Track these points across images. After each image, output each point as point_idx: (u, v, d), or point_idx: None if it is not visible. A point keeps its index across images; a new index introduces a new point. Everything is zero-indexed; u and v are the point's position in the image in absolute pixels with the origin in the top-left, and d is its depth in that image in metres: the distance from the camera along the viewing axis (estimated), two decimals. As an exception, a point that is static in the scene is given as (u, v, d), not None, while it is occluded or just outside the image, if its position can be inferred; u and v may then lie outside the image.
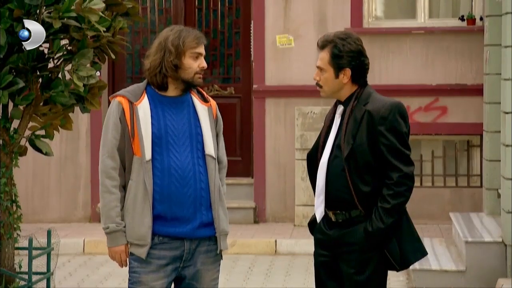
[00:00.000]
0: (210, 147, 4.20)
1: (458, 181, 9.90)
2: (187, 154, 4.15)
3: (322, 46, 4.26)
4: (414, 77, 9.80)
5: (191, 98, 4.24)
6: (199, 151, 4.17)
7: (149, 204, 4.09)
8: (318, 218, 4.24)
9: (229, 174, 10.00)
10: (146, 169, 4.09)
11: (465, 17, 9.81)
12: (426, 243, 8.34)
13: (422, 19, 9.96)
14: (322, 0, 9.87)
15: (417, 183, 9.95)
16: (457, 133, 9.81)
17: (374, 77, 9.82)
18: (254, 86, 10.02)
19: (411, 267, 7.46)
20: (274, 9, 9.95)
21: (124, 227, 4.15)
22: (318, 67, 4.26)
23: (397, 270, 4.20)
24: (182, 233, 4.13)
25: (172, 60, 4.12)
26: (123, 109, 4.13)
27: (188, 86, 4.21)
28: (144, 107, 4.13)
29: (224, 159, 4.37)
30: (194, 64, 4.18)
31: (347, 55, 4.21)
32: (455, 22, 9.86)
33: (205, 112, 4.24)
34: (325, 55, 4.22)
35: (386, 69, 9.83)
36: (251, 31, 10.18)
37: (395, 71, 9.82)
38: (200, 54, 4.21)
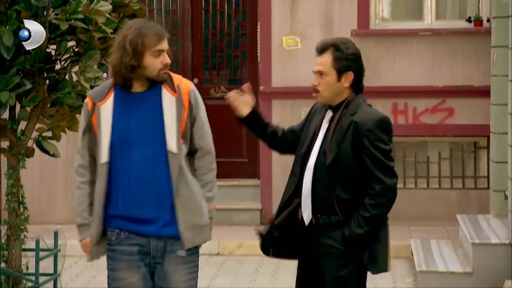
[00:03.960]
0: (171, 143, 4.04)
1: (465, 182, 9.88)
2: (148, 153, 4.05)
3: (322, 50, 4.24)
4: (421, 78, 9.79)
5: (161, 90, 4.10)
6: (163, 148, 4.05)
7: (101, 207, 4.09)
8: (307, 221, 4.24)
9: (236, 175, 10.18)
10: (100, 171, 4.08)
11: (472, 19, 9.79)
12: (433, 245, 8.33)
13: (429, 20, 9.95)
14: (329, 1, 9.87)
15: (423, 184, 9.95)
16: (464, 135, 9.80)
17: (381, 79, 9.82)
18: (261, 87, 10.02)
19: (417, 268, 7.48)
20: (280, 10, 9.95)
21: (90, 221, 4.15)
22: (318, 71, 4.23)
23: (372, 273, 4.26)
24: (147, 232, 4.09)
25: (129, 61, 4.00)
26: (89, 110, 4.12)
27: (153, 82, 4.08)
28: (107, 108, 4.08)
29: (206, 144, 4.19)
30: (156, 61, 4.04)
31: (349, 57, 4.21)
32: (462, 24, 9.85)
33: (172, 103, 4.07)
34: (326, 58, 4.21)
35: (393, 70, 9.82)
36: (258, 33, 10.18)
37: (402, 73, 9.81)
38: (162, 50, 4.06)
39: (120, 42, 4.04)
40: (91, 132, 4.11)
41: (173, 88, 4.11)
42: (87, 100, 4.15)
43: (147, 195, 4.05)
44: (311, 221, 4.24)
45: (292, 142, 4.41)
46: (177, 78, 4.16)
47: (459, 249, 8.00)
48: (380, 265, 4.22)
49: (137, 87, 4.09)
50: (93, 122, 4.10)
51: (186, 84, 4.15)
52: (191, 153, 4.15)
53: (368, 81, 10.24)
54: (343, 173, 4.14)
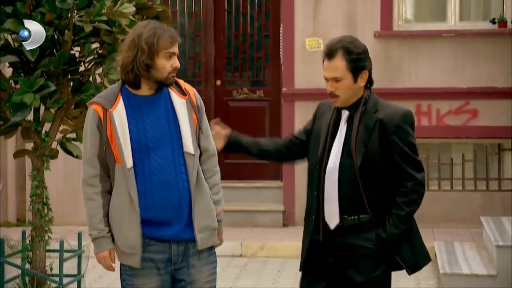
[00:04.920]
0: (188, 145, 4.04)
1: (489, 184, 9.83)
2: (168, 156, 4.02)
3: (331, 54, 4.12)
4: (444, 80, 9.75)
5: (169, 93, 4.08)
6: (180, 149, 4.04)
7: (136, 212, 4.01)
8: (332, 226, 4.15)
9: (258, 177, 10.18)
10: (129, 177, 4.00)
11: (496, 20, 9.74)
12: (457, 247, 8.29)
13: (452, 21, 9.90)
14: (352, 3, 9.85)
15: (447, 186, 9.91)
16: (488, 137, 9.74)
17: (404, 80, 9.78)
18: (283, 89, 10.02)
19: (441, 271, 7.44)
20: (303, 12, 9.94)
21: (108, 232, 4.09)
22: (332, 78, 4.11)
23: (409, 274, 4.22)
24: (167, 236, 4.05)
25: (144, 60, 3.96)
26: (99, 116, 4.02)
27: (161, 85, 4.06)
28: (119, 113, 4.01)
29: (211, 147, 4.18)
30: (167, 64, 4.02)
31: (361, 56, 4.13)
32: (486, 25, 9.80)
33: (183, 106, 4.07)
34: (338, 62, 4.10)
35: (416, 72, 9.79)
36: (281, 34, 10.18)
37: (425, 74, 9.78)
38: (173, 53, 4.04)
39: (134, 40, 3.98)
40: (102, 139, 4.03)
41: (182, 92, 4.10)
42: (94, 107, 4.04)
43: (170, 198, 4.02)
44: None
45: (300, 148, 4.35)
46: (182, 82, 4.17)
47: (483, 252, 7.95)
48: (421, 261, 4.18)
49: (145, 90, 4.05)
50: (107, 128, 4.01)
51: (191, 88, 4.17)
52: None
53: (392, 83, 10.31)
54: (372, 173, 4.06)
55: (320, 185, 4.15)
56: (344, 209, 4.11)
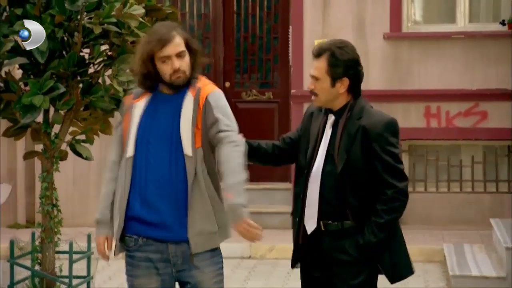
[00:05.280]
0: (186, 147, 3.99)
1: (499, 186, 9.81)
2: (165, 155, 4.00)
3: (317, 54, 4.17)
4: (453, 81, 9.73)
5: (185, 94, 4.07)
6: (180, 151, 3.99)
7: (124, 201, 4.03)
8: (309, 230, 4.17)
9: (267, 179, 10.18)
10: (127, 165, 4.04)
11: (505, 22, 9.72)
12: (466, 249, 8.28)
13: (462, 23, 9.89)
14: (361, 5, 9.85)
15: (456, 188, 9.89)
16: (497, 138, 9.73)
17: (414, 82, 9.77)
18: (292, 91, 10.02)
19: (450, 272, 7.43)
20: (312, 14, 9.95)
21: (111, 219, 4.12)
22: (313, 76, 4.16)
23: (391, 283, 4.19)
24: (163, 236, 4.01)
25: (141, 69, 4.05)
26: (126, 105, 4.16)
27: (174, 87, 4.07)
28: (139, 105, 4.10)
29: (228, 133, 3.97)
30: (165, 67, 4.03)
31: (344, 64, 4.12)
32: (495, 27, 9.78)
33: (190, 104, 4.04)
34: (321, 64, 4.14)
35: (426, 73, 9.78)
36: (290, 36, 10.18)
37: (435, 76, 9.76)
38: (166, 57, 4.03)
39: (138, 50, 4.11)
40: (121, 126, 4.14)
41: (195, 90, 4.09)
42: (128, 96, 4.22)
43: (162, 196, 3.99)
44: (319, 228, 4.14)
45: (292, 151, 4.32)
46: (202, 82, 4.13)
47: (493, 254, 7.94)
48: (404, 272, 4.16)
49: (165, 89, 4.10)
50: (126, 117, 4.12)
51: (208, 89, 4.09)
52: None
53: (401, 84, 10.29)
54: (354, 180, 4.06)
55: (305, 189, 4.16)
56: (324, 213, 4.11)
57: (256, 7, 10.43)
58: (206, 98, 4.05)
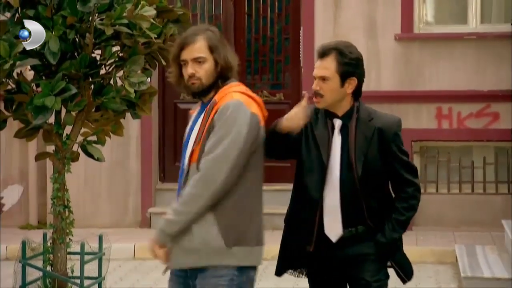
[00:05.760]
0: (186, 159, 3.91)
1: (511, 187, 9.77)
2: (184, 164, 3.93)
3: (324, 53, 4.09)
4: (465, 82, 9.70)
5: (208, 104, 3.94)
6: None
7: None
8: (334, 238, 4.09)
9: (277, 180, 10.16)
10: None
11: (517, 22, 9.70)
12: (478, 250, 8.25)
13: (473, 24, 9.86)
14: (372, 5, 9.83)
15: (468, 189, 9.85)
16: (509, 140, 9.69)
17: (425, 83, 9.75)
18: (303, 92, 10.01)
19: (462, 274, 7.41)
20: (323, 15, 9.93)
21: None
22: (320, 76, 4.05)
23: (405, 281, 4.19)
24: None
25: (172, 72, 4.00)
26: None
27: (198, 94, 3.95)
28: (192, 116, 4.04)
29: (203, 163, 3.80)
30: (184, 72, 3.93)
31: (353, 62, 4.06)
32: (507, 28, 9.74)
33: (203, 114, 3.91)
34: (329, 63, 4.05)
35: (437, 74, 9.75)
36: (301, 37, 10.18)
37: (446, 77, 9.74)
38: (184, 61, 3.92)
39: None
40: None
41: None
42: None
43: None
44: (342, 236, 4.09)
45: (294, 149, 4.17)
46: (223, 92, 3.91)
47: (505, 255, 7.91)
48: (410, 272, 4.17)
49: (207, 97, 3.96)
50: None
51: (225, 99, 3.88)
52: None
53: (412, 85, 10.26)
54: (372, 183, 4.04)
55: (319, 198, 4.06)
56: (346, 221, 4.06)
57: (267, 8, 10.42)
58: (218, 108, 3.86)
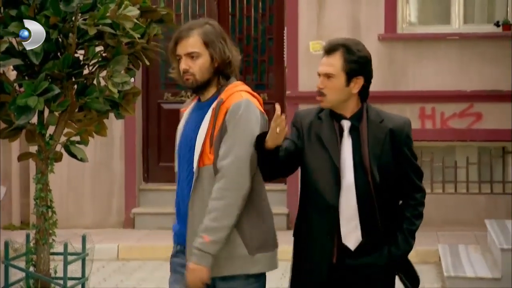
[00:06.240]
0: (196, 158, 3.74)
1: (493, 187, 9.82)
2: (184, 167, 3.79)
3: (330, 50, 3.84)
4: (448, 83, 9.74)
5: (212, 102, 3.79)
6: (191, 164, 3.76)
7: (174, 219, 3.94)
8: (353, 246, 3.84)
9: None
10: (176, 180, 3.91)
11: (500, 23, 9.74)
12: (461, 250, 8.28)
13: (456, 24, 9.90)
14: (356, 6, 9.85)
15: (451, 189, 9.89)
16: (492, 140, 9.74)
17: (408, 83, 9.78)
18: (287, 92, 10.02)
19: (445, 273, 7.43)
20: (307, 15, 9.95)
21: None
22: (325, 74, 3.82)
23: None
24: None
25: (175, 67, 3.86)
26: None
27: (194, 90, 3.84)
28: (184, 115, 3.90)
29: (220, 164, 3.67)
30: (180, 67, 3.82)
31: (361, 60, 3.85)
32: (490, 28, 9.80)
33: (209, 117, 3.74)
34: (336, 60, 3.81)
35: (420, 75, 9.78)
36: (285, 38, 10.19)
37: (430, 77, 9.77)
38: (179, 56, 3.81)
39: None
40: None
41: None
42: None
43: (181, 212, 3.83)
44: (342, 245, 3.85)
45: (297, 161, 3.90)
46: (229, 91, 3.78)
47: (488, 254, 7.94)
48: (417, 281, 4.00)
49: (205, 95, 3.85)
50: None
51: (231, 100, 3.75)
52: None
53: (396, 86, 10.30)
54: (386, 187, 3.82)
55: (337, 204, 3.81)
56: (363, 228, 3.82)
57: (251, 8, 10.43)
58: (225, 113, 3.73)
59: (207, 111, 3.78)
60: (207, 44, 3.78)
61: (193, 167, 3.75)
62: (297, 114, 4.00)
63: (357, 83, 3.85)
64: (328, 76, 3.82)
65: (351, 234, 3.83)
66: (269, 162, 3.76)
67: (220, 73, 3.82)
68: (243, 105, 3.75)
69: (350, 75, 3.82)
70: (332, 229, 3.82)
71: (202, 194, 3.73)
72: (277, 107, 3.67)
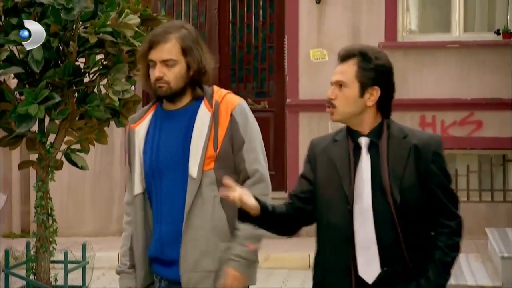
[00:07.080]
0: (192, 167, 3.47)
1: (494, 196, 9.81)
2: (178, 180, 3.49)
3: (345, 57, 3.43)
4: (449, 91, 9.74)
5: (199, 106, 3.54)
6: (180, 172, 3.51)
7: (141, 245, 3.57)
8: (370, 279, 3.34)
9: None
10: (136, 204, 3.57)
11: (500, 31, 9.74)
12: (462, 258, 8.27)
13: (457, 33, 9.91)
14: (356, 14, 9.86)
15: (452, 197, 9.89)
16: (493, 148, 9.73)
17: (409, 91, 9.78)
18: (288, 100, 10.02)
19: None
20: (308, 23, 9.96)
21: (130, 268, 3.66)
22: (337, 82, 3.42)
23: None
24: (170, 276, 3.55)
25: (144, 72, 3.58)
26: (126, 136, 3.66)
27: (194, 97, 3.57)
28: (141, 130, 3.58)
29: (258, 171, 3.50)
30: (151, 73, 3.51)
31: (378, 69, 3.41)
32: (490, 36, 9.80)
33: (205, 121, 3.50)
34: (349, 67, 3.40)
35: (421, 83, 9.79)
36: (285, 45, 10.19)
37: (430, 85, 9.78)
38: (152, 61, 3.50)
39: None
40: (128, 161, 3.64)
41: (211, 103, 3.54)
42: (128, 124, 3.72)
43: (176, 231, 3.51)
44: (359, 278, 3.35)
45: (312, 208, 3.48)
46: (219, 93, 3.59)
47: (488, 263, 7.94)
48: None
49: (168, 104, 3.58)
50: (128, 147, 3.62)
51: (230, 100, 3.57)
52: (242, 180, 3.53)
53: (396, 94, 10.22)
54: (411, 212, 3.32)
55: (351, 234, 3.35)
56: (383, 257, 3.33)
57: (251, 16, 10.44)
58: (231, 114, 3.56)
59: (192, 118, 3.54)
60: (184, 51, 3.53)
61: (187, 175, 3.49)
62: (311, 143, 3.59)
63: (373, 95, 3.40)
64: (340, 84, 3.42)
65: (368, 266, 3.35)
66: (270, 225, 3.53)
67: (195, 82, 3.58)
68: (247, 108, 3.63)
69: (364, 85, 3.39)
70: (348, 261, 3.36)
71: (201, 201, 3.50)
72: (225, 181, 3.25)
